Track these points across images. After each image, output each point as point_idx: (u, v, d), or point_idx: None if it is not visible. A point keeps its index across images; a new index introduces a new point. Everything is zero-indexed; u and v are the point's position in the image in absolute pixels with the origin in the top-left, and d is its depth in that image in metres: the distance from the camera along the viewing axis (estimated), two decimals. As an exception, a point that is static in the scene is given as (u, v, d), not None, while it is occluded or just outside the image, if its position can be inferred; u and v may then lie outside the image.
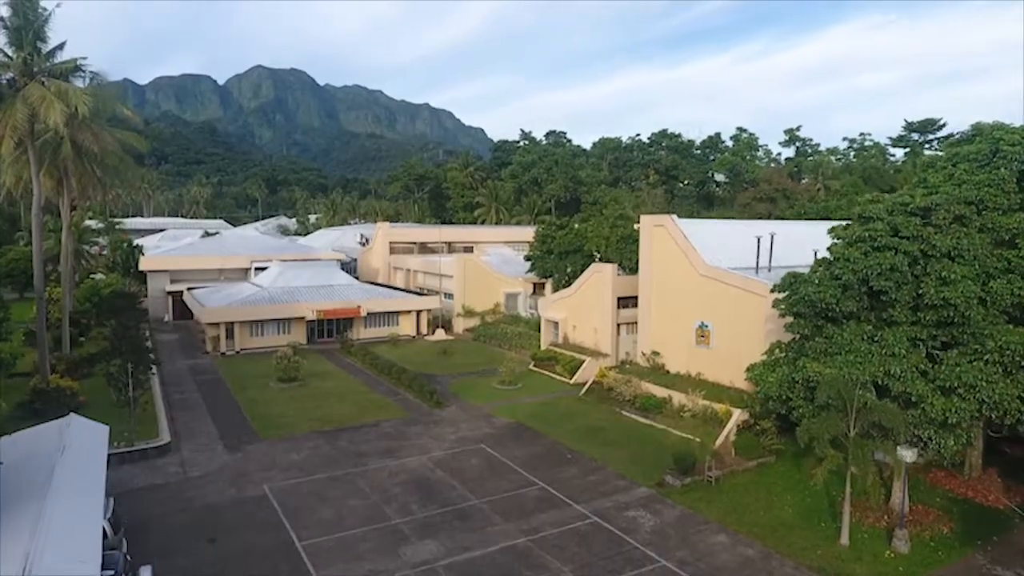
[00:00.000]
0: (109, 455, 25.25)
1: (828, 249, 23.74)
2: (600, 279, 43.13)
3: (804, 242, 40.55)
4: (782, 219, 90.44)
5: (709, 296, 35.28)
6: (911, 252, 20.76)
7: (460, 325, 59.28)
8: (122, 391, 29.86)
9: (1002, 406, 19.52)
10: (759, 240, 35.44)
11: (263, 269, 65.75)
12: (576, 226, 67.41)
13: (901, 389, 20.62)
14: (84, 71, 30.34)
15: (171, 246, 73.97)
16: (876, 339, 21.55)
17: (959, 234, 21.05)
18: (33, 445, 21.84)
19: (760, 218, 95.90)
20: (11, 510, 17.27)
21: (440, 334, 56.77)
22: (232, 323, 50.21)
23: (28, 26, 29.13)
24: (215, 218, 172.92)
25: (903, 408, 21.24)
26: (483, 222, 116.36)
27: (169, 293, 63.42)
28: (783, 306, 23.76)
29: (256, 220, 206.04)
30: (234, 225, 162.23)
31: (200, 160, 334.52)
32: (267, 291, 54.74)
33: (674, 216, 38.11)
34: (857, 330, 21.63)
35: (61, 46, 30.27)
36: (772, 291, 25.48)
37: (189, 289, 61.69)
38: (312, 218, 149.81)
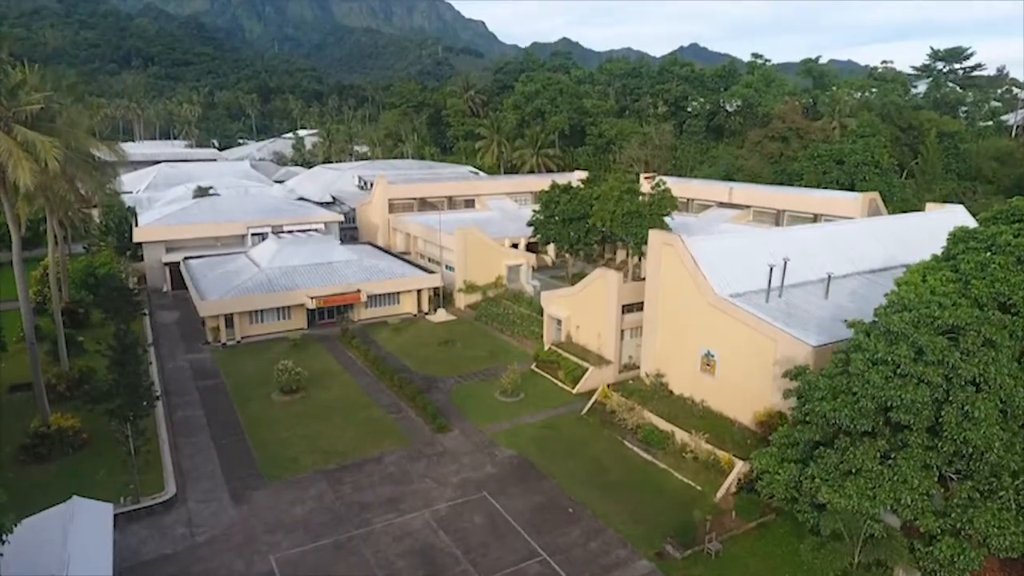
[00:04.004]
0: (116, 515, 25.68)
1: (847, 352, 22.65)
2: (605, 285, 41.92)
3: (818, 252, 39.36)
4: (794, 159, 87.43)
5: (716, 326, 34.35)
6: (934, 382, 19.78)
7: (462, 301, 58.50)
8: (124, 441, 29.65)
9: (1014, 549, 19.26)
10: (771, 269, 34.03)
11: (259, 235, 64.43)
12: (579, 185, 65.12)
13: (911, 518, 20.31)
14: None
15: (164, 207, 71.56)
16: (889, 459, 21.01)
17: (987, 359, 19.97)
18: (36, 551, 21.86)
19: (771, 157, 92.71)
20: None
21: (442, 314, 56.10)
22: (232, 313, 49.61)
23: (-15, 67, 26.46)
24: (207, 138, 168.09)
25: (909, 532, 21.04)
26: (484, 155, 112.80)
27: (166, 264, 62.22)
28: (794, 409, 23.03)
29: (250, 133, 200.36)
30: (227, 147, 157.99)
31: (188, 61, 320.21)
32: (265, 273, 53.60)
33: (683, 237, 36.44)
34: (870, 450, 21.02)
35: (23, 84, 27.57)
36: (784, 376, 24.64)
37: (186, 259, 60.55)
38: (308, 143, 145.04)
